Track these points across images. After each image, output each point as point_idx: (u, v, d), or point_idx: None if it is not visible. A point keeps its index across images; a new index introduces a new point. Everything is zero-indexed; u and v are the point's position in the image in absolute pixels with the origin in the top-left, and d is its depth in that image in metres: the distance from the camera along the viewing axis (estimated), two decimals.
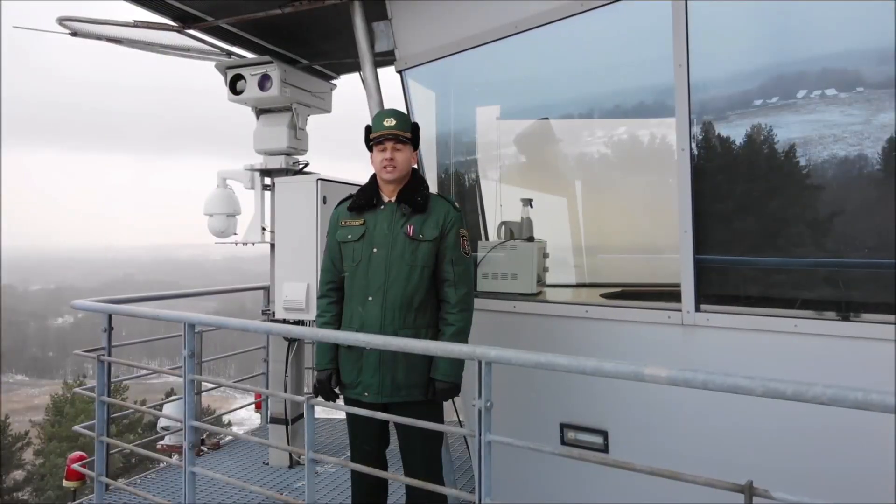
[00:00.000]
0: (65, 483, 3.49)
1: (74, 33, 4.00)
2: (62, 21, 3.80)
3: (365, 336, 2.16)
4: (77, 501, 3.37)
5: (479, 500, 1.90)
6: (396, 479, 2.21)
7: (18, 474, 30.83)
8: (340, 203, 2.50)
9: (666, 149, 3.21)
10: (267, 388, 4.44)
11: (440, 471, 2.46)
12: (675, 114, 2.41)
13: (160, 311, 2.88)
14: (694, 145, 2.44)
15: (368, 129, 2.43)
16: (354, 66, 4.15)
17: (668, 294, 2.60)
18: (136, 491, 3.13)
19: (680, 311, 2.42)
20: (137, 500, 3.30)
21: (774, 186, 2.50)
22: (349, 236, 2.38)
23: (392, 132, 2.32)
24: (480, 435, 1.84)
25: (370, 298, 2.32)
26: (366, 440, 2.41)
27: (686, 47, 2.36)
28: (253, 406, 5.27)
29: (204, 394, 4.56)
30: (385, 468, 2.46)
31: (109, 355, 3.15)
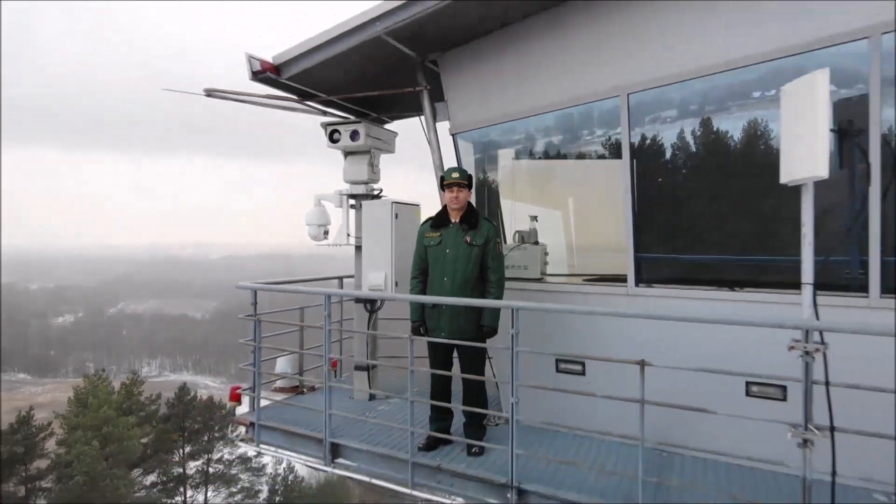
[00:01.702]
0: (229, 403, 5.07)
1: (210, 94, 5.63)
2: (209, 92, 5.43)
3: (445, 298, 3.81)
4: (240, 415, 4.95)
5: (513, 391, 3.53)
6: (457, 375, 3.86)
7: (42, 463, 32.30)
8: (424, 222, 4.16)
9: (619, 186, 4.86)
10: (341, 350, 6.06)
11: (483, 384, 4.11)
12: (621, 170, 4.08)
13: (302, 287, 4.53)
14: (635, 187, 4.10)
15: (442, 178, 4.07)
16: (408, 115, 5.83)
17: (621, 277, 4.26)
18: (285, 402, 4.72)
19: (626, 286, 4.08)
20: (281, 409, 4.89)
21: (683, 213, 4.17)
22: (431, 243, 4.04)
23: (456, 181, 3.97)
24: (513, 349, 3.48)
25: (445, 279, 3.97)
26: (440, 362, 4.06)
27: (629, 136, 4.02)
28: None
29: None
30: (450, 386, 4.11)
31: (258, 319, 4.75)
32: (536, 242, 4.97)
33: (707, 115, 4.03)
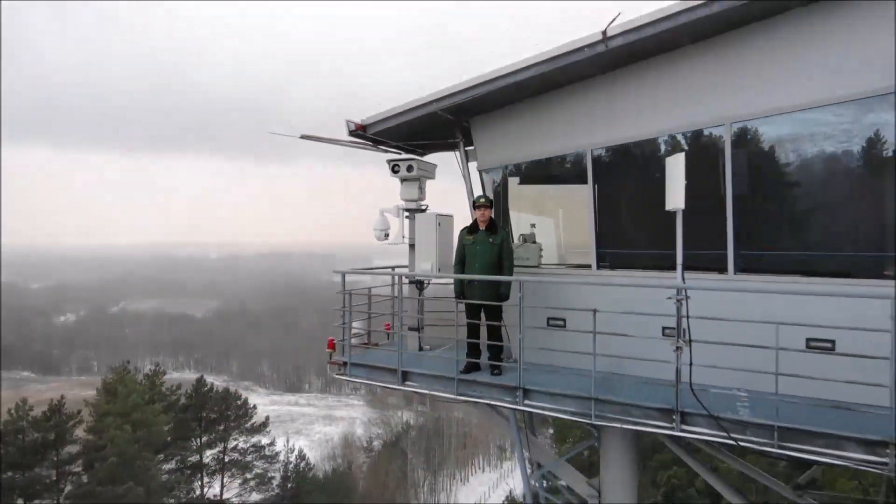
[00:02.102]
0: (327, 350, 7.35)
1: (305, 138, 7.96)
2: (305, 136, 7.77)
3: (476, 276, 6.18)
4: (333, 359, 7.23)
5: (520, 330, 5.88)
6: (484, 323, 6.21)
7: (72, 448, 34.45)
8: (462, 230, 6.53)
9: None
10: (399, 321, 8.40)
11: (500, 330, 6.46)
12: (587, 194, 6.46)
13: (381, 271, 6.87)
14: (597, 206, 6.47)
15: (474, 202, 6.44)
16: (444, 151, 8.18)
17: (588, 265, 6.63)
18: (364, 350, 7.06)
19: (591, 268, 6.47)
20: (362, 355, 7.20)
21: (622, 223, 6.55)
22: (468, 243, 6.42)
23: (483, 204, 6.35)
24: (521, 305, 5.83)
25: (476, 265, 6.34)
26: (473, 317, 6.43)
27: (591, 172, 6.40)
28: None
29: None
30: (479, 333, 6.47)
31: (349, 292, 7.05)
32: (534, 242, 7.34)
33: (643, 161, 6.40)
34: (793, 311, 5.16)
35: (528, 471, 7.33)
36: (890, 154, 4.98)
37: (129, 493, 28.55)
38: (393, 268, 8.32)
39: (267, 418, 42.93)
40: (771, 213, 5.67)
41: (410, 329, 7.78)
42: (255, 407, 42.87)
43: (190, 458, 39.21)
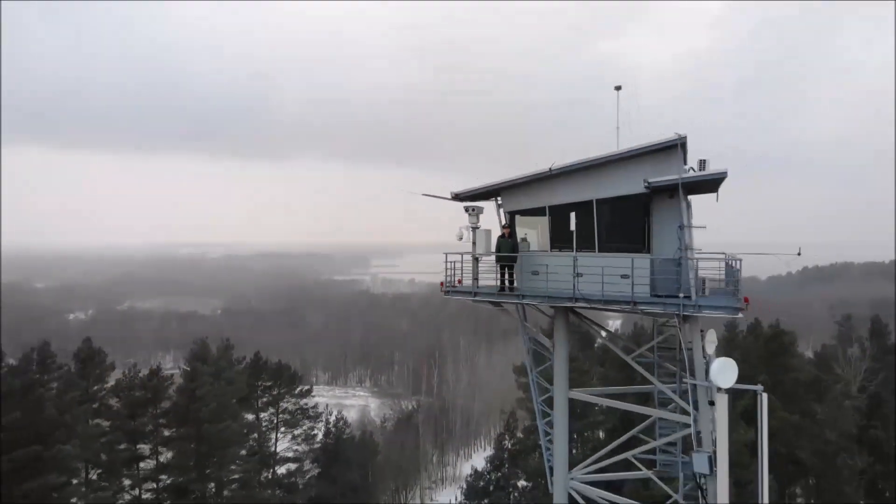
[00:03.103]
0: (439, 285, 17.28)
1: (425, 195, 18.02)
2: (425, 194, 17.84)
3: (504, 254, 16.39)
4: (443, 289, 17.10)
5: (521, 274, 15.98)
6: (507, 273, 16.39)
7: (165, 405, 43.73)
8: (498, 236, 16.82)
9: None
10: (471, 274, 18.41)
11: (513, 275, 16.63)
12: (547, 223, 16.71)
13: (457, 252, 17.01)
14: (551, 226, 16.66)
15: (503, 226, 16.68)
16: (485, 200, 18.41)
17: (546, 249, 16.83)
18: (453, 286, 17.12)
19: (548, 250, 16.71)
20: (456, 287, 17.21)
21: (560, 232, 16.82)
22: (501, 242, 16.71)
23: (507, 227, 16.65)
24: (521, 264, 15.93)
25: (504, 251, 16.54)
26: (502, 270, 16.63)
27: (548, 214, 16.62)
28: None
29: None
30: (504, 276, 16.66)
31: (451, 263, 17.05)
32: (527, 241, 17.48)
33: (566, 211, 16.56)
34: (617, 264, 15.29)
35: (525, 337, 17.47)
36: (641, 208, 15.23)
37: (227, 429, 38.37)
38: (462, 254, 18.47)
39: (311, 384, 52.61)
40: (611, 228, 15.82)
41: (474, 279, 17.90)
42: (302, 376, 52.52)
43: (248, 417, 48.57)
